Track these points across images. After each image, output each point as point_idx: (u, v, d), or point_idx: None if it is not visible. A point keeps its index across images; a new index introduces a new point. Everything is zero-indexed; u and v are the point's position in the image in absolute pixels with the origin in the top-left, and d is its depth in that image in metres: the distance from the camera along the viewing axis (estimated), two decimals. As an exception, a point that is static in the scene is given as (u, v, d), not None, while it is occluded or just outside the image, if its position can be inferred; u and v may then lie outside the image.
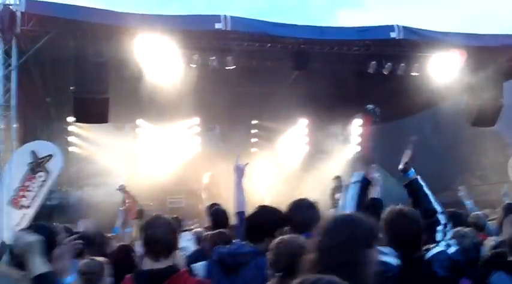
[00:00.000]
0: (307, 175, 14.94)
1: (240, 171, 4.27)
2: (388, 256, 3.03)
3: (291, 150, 16.73)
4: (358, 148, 16.00)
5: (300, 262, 2.88)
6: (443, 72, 11.71)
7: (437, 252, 3.15)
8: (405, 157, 3.66)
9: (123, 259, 4.74)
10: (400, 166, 3.68)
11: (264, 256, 3.34)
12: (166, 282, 2.87)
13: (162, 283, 2.87)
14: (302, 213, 3.68)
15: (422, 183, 3.55)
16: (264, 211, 3.71)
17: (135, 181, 14.68)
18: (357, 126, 16.50)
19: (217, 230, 4.97)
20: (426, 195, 3.47)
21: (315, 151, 16.24)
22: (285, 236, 3.11)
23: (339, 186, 13.97)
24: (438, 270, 3.03)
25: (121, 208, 8.24)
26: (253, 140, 17.01)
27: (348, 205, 3.48)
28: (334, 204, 13.63)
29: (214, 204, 5.99)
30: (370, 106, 16.06)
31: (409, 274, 3.01)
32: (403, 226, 3.17)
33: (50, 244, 2.95)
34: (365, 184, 3.55)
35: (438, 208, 3.43)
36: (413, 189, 3.54)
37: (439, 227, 3.32)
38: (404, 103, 14.28)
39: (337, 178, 14.19)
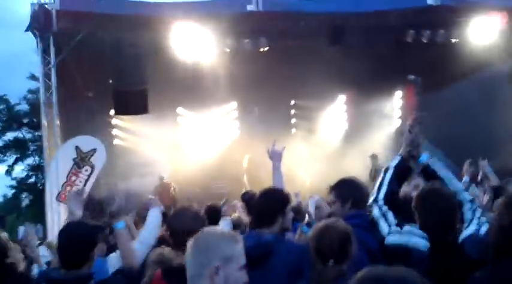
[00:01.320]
0: (348, 153, 14.75)
1: (277, 156, 4.19)
2: (418, 238, 2.89)
3: (331, 128, 16.53)
4: (401, 122, 15.70)
5: (350, 247, 2.83)
6: (484, 36, 11.27)
7: (469, 234, 2.99)
8: (406, 143, 3.41)
9: None
10: (403, 154, 3.42)
11: (285, 241, 3.33)
12: None
13: None
14: (355, 190, 3.58)
15: (435, 166, 3.36)
16: (271, 192, 3.62)
17: (179, 169, 14.90)
18: (398, 99, 16.17)
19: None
20: (442, 178, 3.30)
21: (356, 127, 16.00)
22: (328, 221, 3.00)
23: (375, 164, 13.86)
24: (471, 253, 2.81)
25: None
26: (292, 120, 16.88)
27: (380, 189, 3.31)
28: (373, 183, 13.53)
29: (246, 192, 5.97)
30: (411, 76, 15.72)
31: (439, 258, 2.82)
32: (435, 205, 2.95)
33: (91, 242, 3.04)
34: (401, 169, 3.31)
35: (458, 187, 3.26)
36: (427, 174, 3.38)
37: (465, 207, 3.15)
38: (447, 71, 13.87)
39: (373, 156, 14.02)
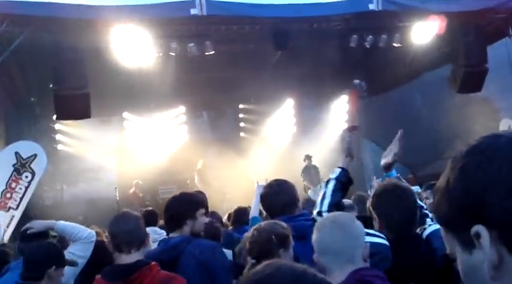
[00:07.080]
0: (296, 157, 14.92)
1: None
2: (374, 237, 2.83)
3: (279, 131, 16.66)
4: (346, 126, 15.98)
5: (275, 249, 2.85)
6: (425, 40, 11.59)
7: (437, 229, 2.87)
8: (391, 154, 3.38)
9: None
10: (384, 161, 3.41)
11: (194, 241, 3.46)
12: (135, 275, 2.89)
13: (131, 276, 2.89)
14: (278, 195, 3.62)
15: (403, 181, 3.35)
16: (181, 196, 3.83)
17: (126, 174, 14.68)
18: (344, 102, 16.44)
19: None
20: None
21: (303, 131, 16.21)
22: (262, 224, 3.08)
23: (309, 166, 14.13)
24: (439, 247, 2.72)
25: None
26: (241, 125, 16.94)
27: (323, 201, 3.29)
28: (305, 186, 13.90)
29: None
30: (356, 81, 16.01)
31: (404, 252, 2.78)
32: (398, 198, 2.91)
33: None
34: (343, 182, 3.22)
35: (420, 203, 3.29)
36: None
37: (428, 219, 3.20)
38: (390, 75, 14.24)
39: (308, 157, 14.31)
